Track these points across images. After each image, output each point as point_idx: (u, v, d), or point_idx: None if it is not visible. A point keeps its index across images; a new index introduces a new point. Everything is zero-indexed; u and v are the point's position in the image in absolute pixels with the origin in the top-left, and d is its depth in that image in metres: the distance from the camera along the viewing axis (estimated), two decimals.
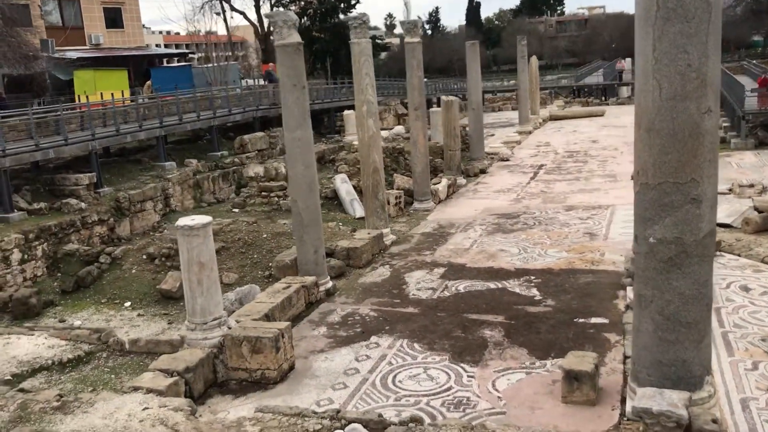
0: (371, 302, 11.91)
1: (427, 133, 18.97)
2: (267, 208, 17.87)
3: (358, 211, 17.59)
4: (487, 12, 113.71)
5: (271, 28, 11.69)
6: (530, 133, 35.31)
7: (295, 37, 11.67)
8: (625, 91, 55.71)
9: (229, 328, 9.42)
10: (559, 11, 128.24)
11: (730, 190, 19.32)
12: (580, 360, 8.13)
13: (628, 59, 65.42)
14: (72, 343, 10.06)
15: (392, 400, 8.39)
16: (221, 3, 40.40)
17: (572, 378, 7.94)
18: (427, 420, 7.57)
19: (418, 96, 18.39)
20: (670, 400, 6.97)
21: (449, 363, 9.28)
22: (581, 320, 10.42)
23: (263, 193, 18.19)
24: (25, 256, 13.57)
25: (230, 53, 34.25)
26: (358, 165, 20.06)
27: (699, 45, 6.67)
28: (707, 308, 7.37)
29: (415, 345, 9.95)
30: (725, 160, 24.10)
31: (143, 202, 16.74)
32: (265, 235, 14.20)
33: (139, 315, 12.10)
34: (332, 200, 18.37)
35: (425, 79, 22.61)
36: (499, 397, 8.27)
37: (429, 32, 57.21)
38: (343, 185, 18.20)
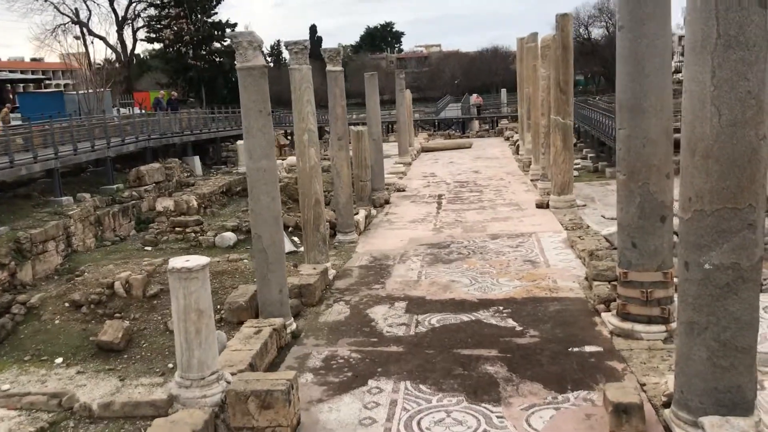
0: (347, 343, 11.12)
1: (349, 163, 18.42)
2: (184, 244, 16.40)
3: (288, 245, 16.60)
4: (326, 45, 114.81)
5: (236, 50, 10.68)
6: (410, 164, 35.77)
7: (260, 60, 10.79)
8: (476, 125, 58.52)
9: (228, 383, 8.30)
10: (397, 48, 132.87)
11: None
12: (623, 392, 7.94)
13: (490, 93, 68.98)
14: (26, 413, 8.39)
15: None
16: (81, 27, 37.39)
17: (621, 411, 7.70)
18: None
19: (341, 126, 17.85)
20: (740, 428, 6.93)
21: (469, 404, 8.75)
22: (576, 349, 10.31)
23: (177, 228, 16.70)
24: None
25: (102, 79, 31.66)
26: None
27: (758, 72, 6.79)
28: (757, 332, 7.47)
29: (421, 387, 9.33)
30: (608, 188, 25.50)
31: (45, 242, 14.71)
32: None
33: (78, 372, 10.44)
34: None
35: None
36: None
37: (271, 65, 56.70)
38: None
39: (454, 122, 57.83)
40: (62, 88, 37.42)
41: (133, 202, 18.58)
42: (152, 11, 43.94)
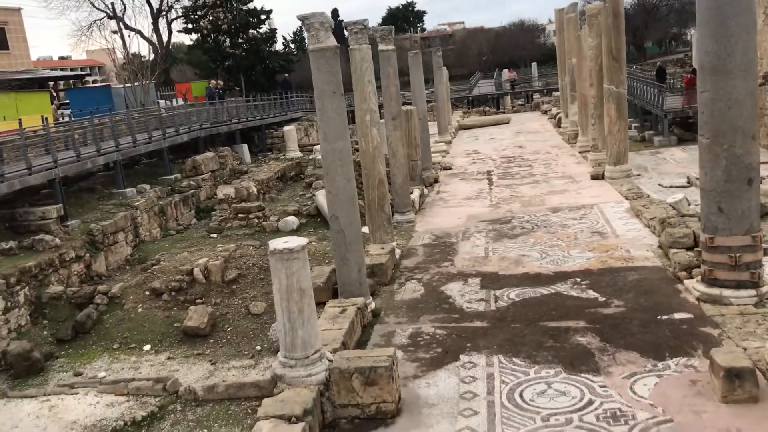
0: (428, 320, 11.13)
1: (405, 143, 18.35)
2: (248, 230, 16.52)
3: None
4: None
5: (304, 32, 10.65)
6: (450, 142, 35.57)
7: (332, 41, 10.74)
8: (508, 100, 57.87)
9: (330, 361, 8.36)
10: (420, 28, 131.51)
11: (689, 181, 20.14)
12: (734, 356, 7.82)
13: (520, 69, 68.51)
14: (133, 399, 8.55)
15: (540, 421, 7.71)
16: (118, 22, 37.69)
17: (733, 376, 7.59)
18: None
19: (395, 105, 17.77)
20: None
21: (568, 375, 8.71)
22: (665, 317, 10.19)
23: (239, 215, 16.83)
24: (8, 304, 11.58)
25: (147, 70, 31.94)
26: None
27: None
28: None
29: (515, 360, 9.30)
30: (659, 157, 25.29)
31: (115, 233, 14.92)
32: None
33: (169, 358, 10.61)
34: (315, 218, 17.31)
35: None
36: (651, 404, 7.80)
37: (295, 52, 56.83)
38: (326, 200, 17.14)
39: (489, 98, 57.19)
40: (108, 83, 37.62)
41: (192, 191, 18.75)
42: (186, 2, 44.29)
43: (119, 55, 35.76)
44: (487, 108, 53.63)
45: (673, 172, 22.20)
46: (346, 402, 8.18)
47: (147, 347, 11.07)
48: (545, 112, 46.19)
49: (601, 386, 8.33)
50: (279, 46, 51.10)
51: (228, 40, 45.53)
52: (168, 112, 21.82)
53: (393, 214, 18.14)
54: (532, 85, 62.32)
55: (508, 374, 8.92)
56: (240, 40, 45.64)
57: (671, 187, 19.80)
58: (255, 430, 7.27)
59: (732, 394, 7.62)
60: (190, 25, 44.89)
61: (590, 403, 7.97)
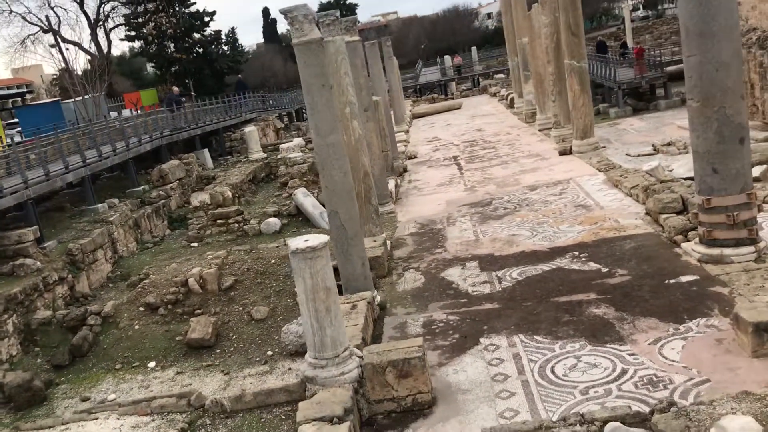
0: (438, 307, 11.05)
1: (377, 134, 18.19)
2: (230, 236, 16.12)
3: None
4: (282, 28, 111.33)
5: (288, 26, 10.41)
6: (408, 131, 35.54)
7: (317, 33, 10.52)
8: (454, 86, 58.22)
9: (360, 357, 8.19)
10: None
11: (655, 149, 20.55)
12: (758, 311, 7.95)
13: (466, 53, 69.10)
14: (159, 417, 8.21)
15: (580, 395, 7.71)
16: (55, 36, 36.20)
17: (761, 330, 7.73)
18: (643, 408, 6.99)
19: (366, 96, 17.56)
20: None
21: (594, 347, 8.74)
22: (672, 281, 10.33)
23: (218, 221, 16.41)
24: None
25: (94, 83, 30.74)
26: (306, 177, 18.89)
27: None
28: None
29: (536, 337, 9.30)
30: (619, 128, 25.77)
31: (94, 251, 14.34)
32: (273, 261, 12.70)
33: (178, 373, 10.24)
34: (296, 217, 17.01)
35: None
36: (684, 367, 7.88)
37: (228, 52, 55.67)
38: (307, 199, 16.90)
39: (436, 85, 57.40)
40: (57, 98, 36.19)
41: (162, 201, 18.20)
42: (125, 9, 42.65)
43: (57, 68, 34.38)
44: (435, 95, 53.77)
45: (636, 141, 22.63)
46: (381, 397, 8.04)
47: (152, 364, 10.67)
48: (494, 95, 46.60)
49: (630, 354, 8.38)
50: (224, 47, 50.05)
51: (173, 45, 44.40)
52: (130, 122, 21.08)
53: None
54: (473, 69, 62.79)
55: (533, 352, 8.91)
56: (185, 45, 44.55)
57: (639, 156, 20.17)
58: None
59: (762, 348, 7.75)
60: (132, 32, 43.55)
61: (624, 372, 8.01)
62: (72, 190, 18.00)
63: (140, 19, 43.18)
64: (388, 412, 8.04)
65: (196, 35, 45.47)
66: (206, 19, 46.65)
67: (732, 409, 6.19)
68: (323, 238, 7.86)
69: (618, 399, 7.45)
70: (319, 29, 12.57)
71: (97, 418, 8.43)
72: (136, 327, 11.58)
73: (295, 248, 7.66)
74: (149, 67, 45.58)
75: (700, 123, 10.45)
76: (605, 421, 6.38)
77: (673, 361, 8.05)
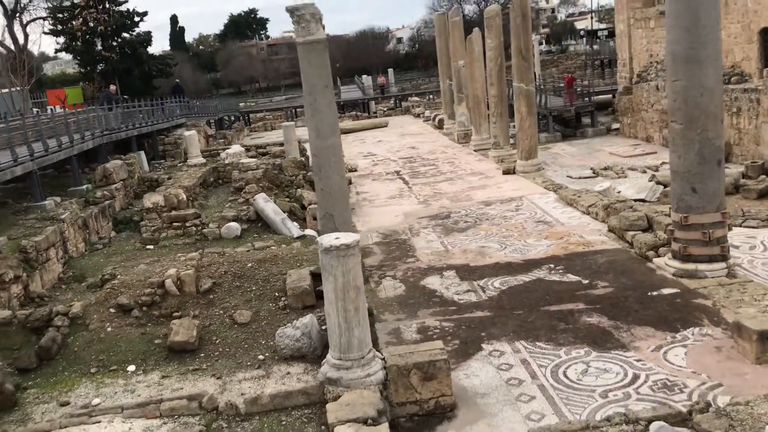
0: (428, 314, 11.05)
1: None
2: (187, 239, 15.46)
3: (294, 230, 16.11)
4: (188, 37, 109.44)
5: (293, 24, 10.25)
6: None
7: (323, 33, 10.39)
8: (372, 105, 58.81)
9: (383, 359, 8.07)
10: (264, 35, 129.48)
11: (595, 172, 21.50)
12: (759, 320, 8.43)
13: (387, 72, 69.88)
14: (170, 420, 7.71)
15: (600, 398, 7.89)
16: None
17: (765, 338, 8.19)
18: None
19: None
20: None
21: (599, 353, 8.99)
22: (655, 293, 10.79)
23: (174, 224, 15.73)
24: None
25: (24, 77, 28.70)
26: (261, 183, 18.49)
27: None
28: None
29: (538, 344, 9.46)
30: (552, 152, 26.78)
31: (47, 250, 13.40)
32: (249, 264, 12.30)
33: (164, 377, 9.65)
34: (255, 222, 16.57)
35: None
36: (693, 372, 8.23)
37: (172, 56, 54.44)
38: (268, 204, 16.49)
39: (358, 103, 57.74)
40: None
41: (107, 201, 17.26)
42: (48, 3, 40.41)
43: None
44: (357, 113, 54.04)
45: (573, 164, 23.64)
46: (403, 400, 7.93)
47: (132, 368, 10.03)
48: (418, 115, 47.38)
49: (637, 360, 8.68)
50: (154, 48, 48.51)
51: (101, 42, 42.35)
52: (73, 117, 19.91)
53: None
54: (390, 90, 63.72)
55: (539, 358, 9.05)
56: (114, 43, 42.61)
57: (580, 177, 21.05)
58: None
59: (765, 355, 8.22)
60: (59, 27, 41.21)
61: (636, 377, 8.28)
62: (10, 186, 16.80)
63: (66, 14, 41.01)
64: (411, 415, 7.94)
65: (126, 35, 43.72)
66: (137, 19, 44.93)
67: None
68: (354, 235, 7.73)
69: (638, 402, 7.69)
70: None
71: (99, 422, 7.85)
72: (109, 329, 10.89)
73: (328, 245, 7.48)
74: (75, 65, 43.31)
75: (683, 144, 11.04)
76: (649, 421, 6.56)
77: (680, 366, 8.40)
